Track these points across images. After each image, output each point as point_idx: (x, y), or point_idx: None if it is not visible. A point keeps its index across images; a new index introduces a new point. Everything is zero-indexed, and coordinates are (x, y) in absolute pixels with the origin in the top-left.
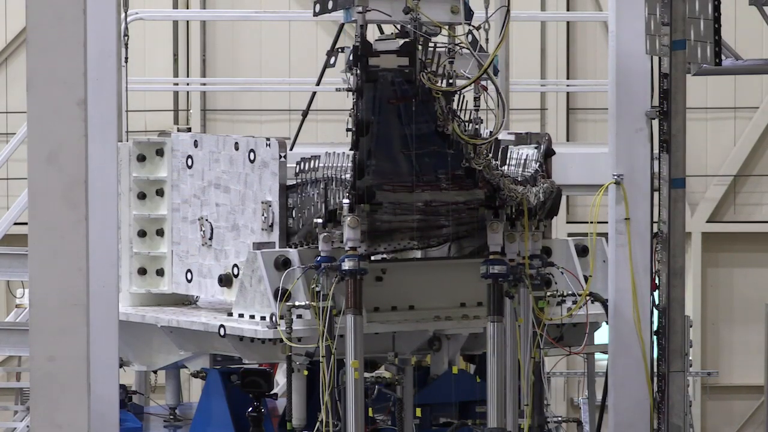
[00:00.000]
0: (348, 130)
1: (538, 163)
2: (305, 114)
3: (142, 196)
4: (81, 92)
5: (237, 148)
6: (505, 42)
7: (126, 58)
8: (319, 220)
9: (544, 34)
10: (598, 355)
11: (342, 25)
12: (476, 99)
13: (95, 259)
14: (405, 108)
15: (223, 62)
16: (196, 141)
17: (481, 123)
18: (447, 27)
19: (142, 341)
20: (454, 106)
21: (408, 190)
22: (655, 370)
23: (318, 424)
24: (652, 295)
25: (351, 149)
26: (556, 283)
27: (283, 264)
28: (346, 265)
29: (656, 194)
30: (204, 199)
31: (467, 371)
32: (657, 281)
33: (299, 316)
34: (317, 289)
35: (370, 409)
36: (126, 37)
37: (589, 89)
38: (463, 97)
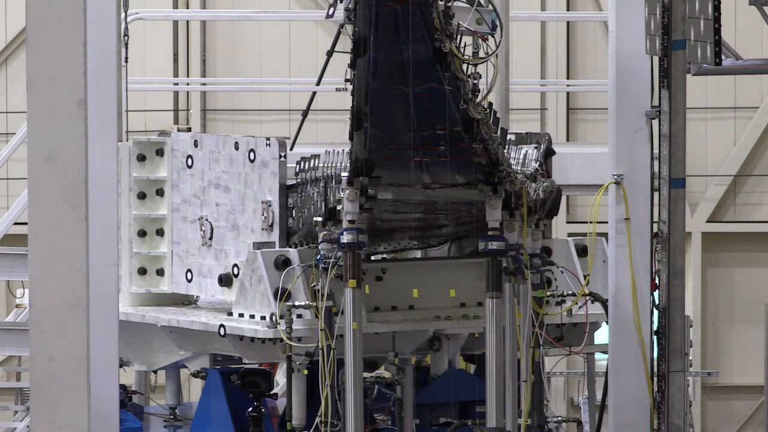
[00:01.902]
0: (347, 81)
1: (538, 163)
2: (305, 114)
3: (142, 196)
4: (81, 92)
5: (237, 148)
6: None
7: (126, 58)
8: (319, 219)
9: (544, 34)
10: (598, 355)
11: (342, 25)
12: (475, 54)
13: (95, 259)
14: (402, 15)
15: (223, 62)
16: (196, 141)
17: (480, 78)
18: None
19: (142, 341)
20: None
21: (406, 156)
22: (655, 370)
23: (316, 420)
24: (652, 295)
25: (349, 66)
26: (555, 279)
27: (283, 264)
28: (345, 238)
29: (656, 194)
30: (204, 198)
31: (467, 371)
32: (657, 281)
33: (299, 316)
34: (317, 287)
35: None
36: (126, 37)
37: (589, 89)
38: (462, 40)
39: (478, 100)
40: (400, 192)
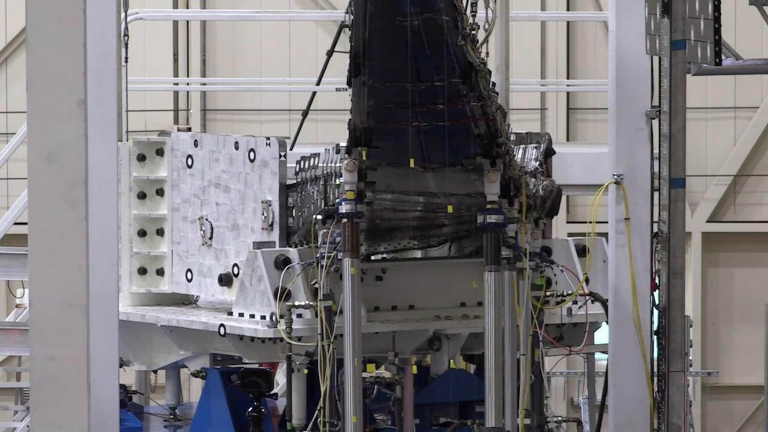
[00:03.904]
0: (345, 26)
1: (538, 162)
2: (305, 114)
3: (142, 195)
4: (81, 92)
5: (237, 148)
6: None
7: (126, 58)
8: (319, 217)
9: (544, 34)
10: (598, 355)
11: (342, 25)
12: (472, 5)
13: (95, 259)
14: None
15: (223, 62)
16: (196, 141)
17: (479, 28)
18: None
19: (142, 341)
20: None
21: (405, 120)
22: (655, 370)
23: (314, 418)
24: (652, 295)
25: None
26: (555, 276)
27: (283, 263)
28: (343, 208)
29: (656, 194)
30: (204, 198)
31: (467, 371)
32: (657, 281)
33: (299, 316)
34: (317, 285)
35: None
36: (126, 37)
37: (589, 89)
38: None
39: (477, 45)
40: (399, 176)
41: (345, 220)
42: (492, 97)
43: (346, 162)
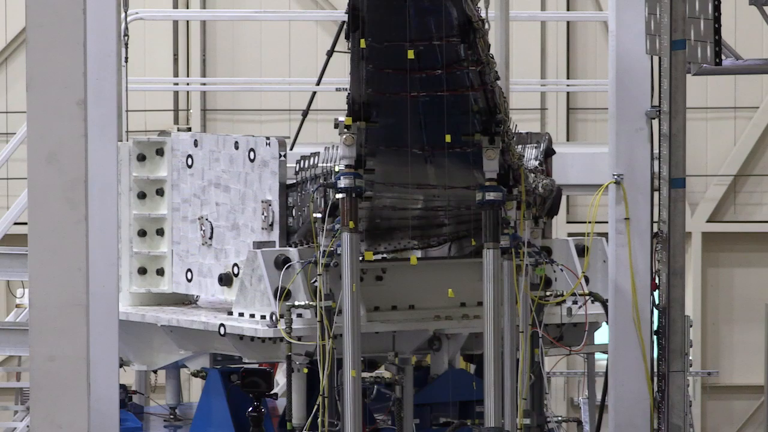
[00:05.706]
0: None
1: (538, 162)
2: (305, 114)
3: (142, 195)
4: (81, 92)
5: (237, 148)
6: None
7: (126, 58)
8: (319, 215)
9: (544, 34)
10: (598, 355)
11: (342, 24)
12: None
13: (95, 259)
14: None
15: (223, 62)
16: (196, 140)
17: None
18: None
19: (142, 341)
20: None
21: (404, 89)
22: (655, 370)
23: (312, 416)
24: (652, 295)
25: None
26: (555, 272)
27: (283, 263)
28: (342, 182)
29: (656, 194)
30: (204, 198)
31: (466, 371)
32: (657, 281)
33: (299, 315)
34: (316, 284)
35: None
36: (126, 37)
37: (589, 89)
38: None
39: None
40: (398, 165)
41: (344, 194)
42: (491, 64)
43: (344, 136)
